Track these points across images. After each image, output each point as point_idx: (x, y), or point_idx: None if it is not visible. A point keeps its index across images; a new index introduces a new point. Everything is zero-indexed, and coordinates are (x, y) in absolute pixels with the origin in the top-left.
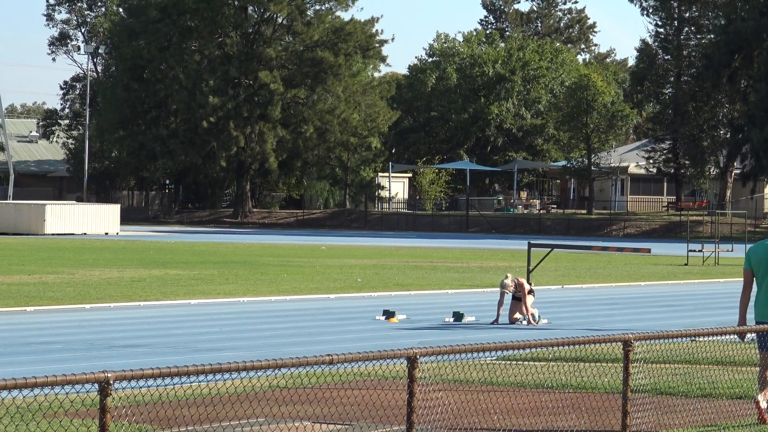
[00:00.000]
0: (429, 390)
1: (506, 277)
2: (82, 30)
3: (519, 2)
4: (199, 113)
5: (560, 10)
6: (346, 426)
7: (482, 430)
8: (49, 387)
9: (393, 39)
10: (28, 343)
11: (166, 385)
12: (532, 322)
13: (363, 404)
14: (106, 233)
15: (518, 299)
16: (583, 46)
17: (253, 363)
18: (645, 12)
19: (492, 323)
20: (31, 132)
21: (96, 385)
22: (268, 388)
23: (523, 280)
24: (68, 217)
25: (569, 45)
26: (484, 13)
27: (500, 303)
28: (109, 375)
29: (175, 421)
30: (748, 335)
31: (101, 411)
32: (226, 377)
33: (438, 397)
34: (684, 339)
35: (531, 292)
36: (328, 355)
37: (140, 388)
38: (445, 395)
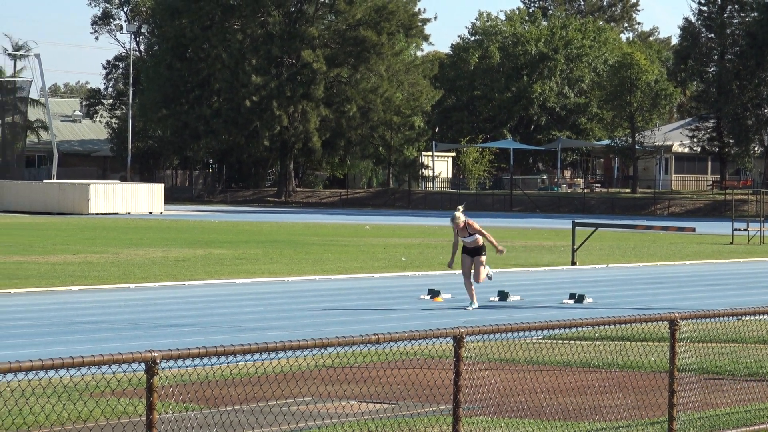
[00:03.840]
0: (475, 369)
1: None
2: (125, 9)
3: None
4: (241, 92)
5: None
6: (392, 405)
7: (529, 409)
8: (96, 366)
9: (435, 18)
10: (73, 322)
11: (212, 365)
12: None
13: (409, 383)
14: (150, 213)
15: (471, 252)
16: (626, 24)
17: (299, 342)
18: None
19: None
20: (74, 111)
21: (143, 365)
22: (314, 368)
23: (477, 227)
24: (112, 197)
25: (612, 23)
26: None
27: (455, 244)
28: (155, 354)
29: (221, 400)
30: None
31: (148, 390)
32: (272, 356)
33: (484, 377)
34: (730, 318)
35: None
36: (374, 334)
37: (186, 367)
38: (491, 374)
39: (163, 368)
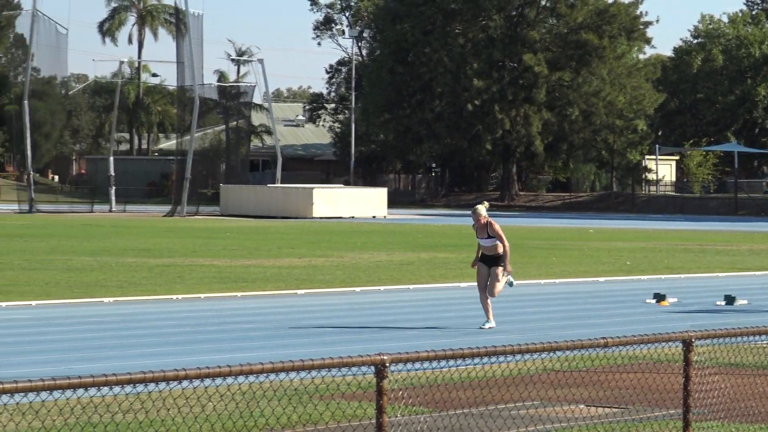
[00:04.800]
0: (704, 373)
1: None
2: (347, 14)
3: None
4: (463, 96)
5: None
6: (621, 409)
7: (759, 414)
8: (326, 369)
9: (657, 21)
10: (299, 325)
11: (441, 368)
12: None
13: (638, 387)
14: (374, 216)
15: (489, 260)
16: None
17: (528, 346)
18: None
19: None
20: (297, 116)
21: (372, 368)
22: (543, 371)
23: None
24: (335, 201)
25: None
26: None
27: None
28: (385, 357)
29: (451, 403)
30: None
31: (378, 393)
32: (501, 360)
33: (713, 381)
34: None
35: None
36: (602, 338)
37: (415, 370)
38: (720, 379)
39: (391, 371)
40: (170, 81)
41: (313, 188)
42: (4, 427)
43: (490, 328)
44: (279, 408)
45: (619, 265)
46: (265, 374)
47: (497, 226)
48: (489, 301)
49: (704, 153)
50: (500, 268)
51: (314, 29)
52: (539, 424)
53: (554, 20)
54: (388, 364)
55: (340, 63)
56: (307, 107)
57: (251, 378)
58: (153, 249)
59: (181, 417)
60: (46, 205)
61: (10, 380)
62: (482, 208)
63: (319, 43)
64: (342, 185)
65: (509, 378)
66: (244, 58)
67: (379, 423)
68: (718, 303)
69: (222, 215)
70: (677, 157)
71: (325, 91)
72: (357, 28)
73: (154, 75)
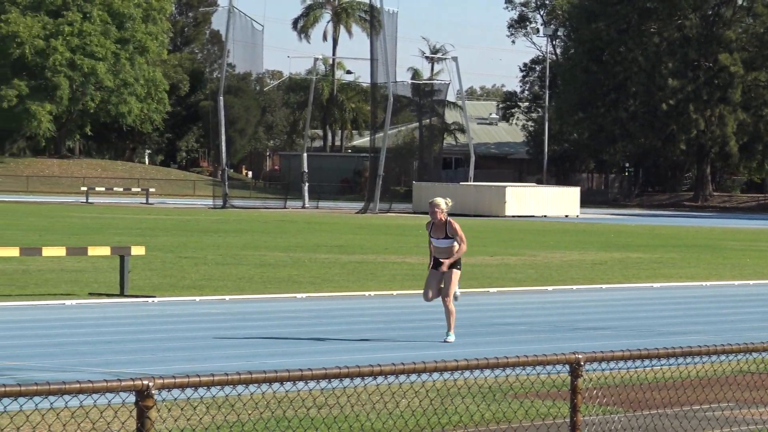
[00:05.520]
0: None
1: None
2: (541, 12)
3: None
4: (658, 96)
5: None
6: None
7: None
8: (520, 367)
9: None
10: (492, 323)
11: (636, 368)
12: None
13: None
14: (566, 216)
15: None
16: None
17: (723, 347)
18: None
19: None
20: (490, 114)
21: (566, 366)
22: (739, 372)
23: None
24: (528, 199)
25: None
26: None
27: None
28: (580, 356)
29: (645, 403)
30: None
31: (572, 392)
32: (696, 360)
33: None
34: None
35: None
36: None
37: (609, 370)
38: None
39: (586, 370)
40: (364, 78)
41: (505, 186)
42: (200, 420)
43: (451, 341)
44: (473, 405)
45: None
46: (459, 371)
47: (457, 226)
48: (451, 306)
49: None
50: (457, 272)
51: (508, 27)
52: (734, 425)
53: (751, 20)
54: (582, 363)
55: (534, 61)
56: (501, 105)
57: (445, 375)
58: (346, 245)
59: (375, 413)
60: (240, 200)
61: (206, 374)
62: (442, 202)
63: (513, 41)
64: (535, 184)
65: (704, 379)
66: (438, 55)
67: (573, 422)
68: None
69: (415, 213)
70: None
71: (518, 90)
72: (551, 26)
73: (348, 72)
